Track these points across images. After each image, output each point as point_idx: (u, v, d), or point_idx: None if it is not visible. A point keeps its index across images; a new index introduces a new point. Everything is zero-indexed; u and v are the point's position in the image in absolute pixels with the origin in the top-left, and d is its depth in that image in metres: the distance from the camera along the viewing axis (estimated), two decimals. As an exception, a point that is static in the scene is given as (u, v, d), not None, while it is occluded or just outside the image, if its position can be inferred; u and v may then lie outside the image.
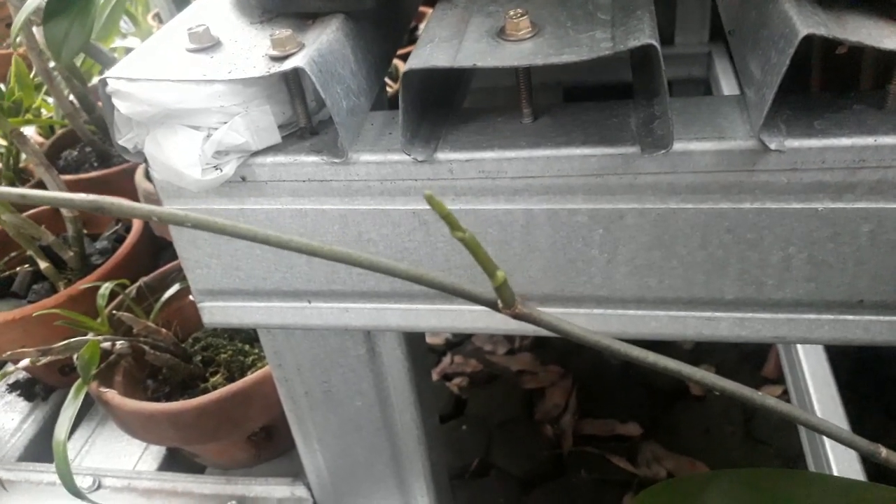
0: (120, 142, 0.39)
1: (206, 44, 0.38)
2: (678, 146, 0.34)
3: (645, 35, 0.31)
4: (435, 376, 1.15)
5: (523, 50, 0.33)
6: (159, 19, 1.35)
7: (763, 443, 1.01)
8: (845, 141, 0.32)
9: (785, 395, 1.04)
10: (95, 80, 1.17)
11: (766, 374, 1.10)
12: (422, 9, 1.04)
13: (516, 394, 1.11)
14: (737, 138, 0.34)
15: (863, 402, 1.00)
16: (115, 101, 0.37)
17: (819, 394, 0.82)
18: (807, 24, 0.30)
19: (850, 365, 1.02)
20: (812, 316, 0.38)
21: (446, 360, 1.19)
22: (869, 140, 0.32)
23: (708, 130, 0.34)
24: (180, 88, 0.35)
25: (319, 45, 0.36)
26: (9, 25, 1.63)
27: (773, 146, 0.33)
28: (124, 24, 1.34)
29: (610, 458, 1.00)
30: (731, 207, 0.35)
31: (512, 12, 0.34)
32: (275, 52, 0.36)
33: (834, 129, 0.33)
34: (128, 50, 1.27)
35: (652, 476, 0.98)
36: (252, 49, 0.37)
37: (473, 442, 1.04)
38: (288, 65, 0.35)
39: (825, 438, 0.78)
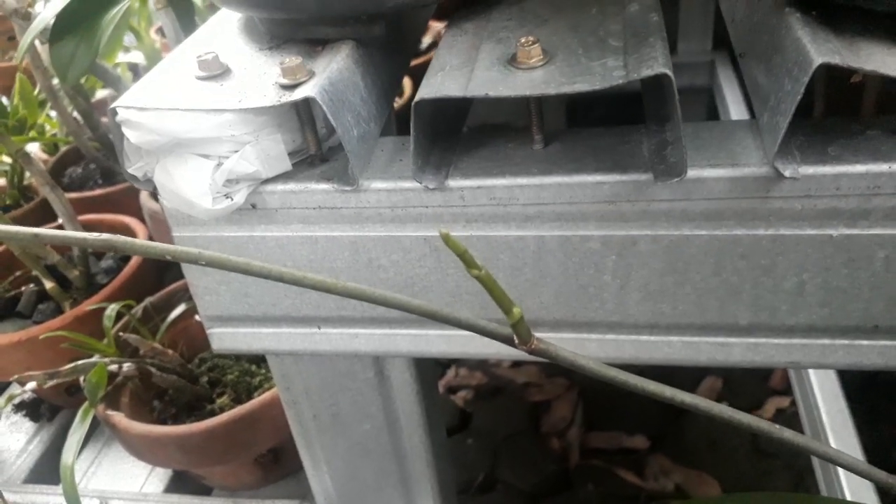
0: (130, 170, 0.39)
1: (216, 71, 0.38)
2: (692, 173, 0.33)
3: (658, 64, 0.31)
4: (440, 389, 1.15)
5: (535, 79, 0.33)
6: (162, 33, 1.35)
7: (771, 456, 1.00)
8: (860, 168, 0.32)
9: (793, 406, 1.04)
10: (98, 95, 1.17)
11: (773, 385, 1.10)
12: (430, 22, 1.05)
13: (522, 407, 1.11)
14: (751, 165, 0.33)
15: (872, 412, 1.00)
16: (124, 130, 0.37)
17: (827, 405, 0.82)
18: (821, 52, 0.30)
19: (859, 375, 1.02)
20: (826, 341, 0.38)
21: (451, 372, 1.19)
22: (884, 167, 0.32)
23: (721, 157, 0.34)
24: (190, 118, 0.35)
25: (330, 74, 0.36)
26: (10, 38, 1.64)
27: (787, 173, 0.32)
28: (127, 37, 1.34)
29: (617, 471, 1.00)
30: (745, 234, 0.35)
31: (524, 40, 0.34)
32: (285, 81, 0.36)
33: (848, 156, 0.33)
34: (131, 64, 1.27)
35: (659, 489, 0.98)
36: (261, 77, 0.37)
37: (479, 456, 1.04)
38: (298, 94, 0.34)
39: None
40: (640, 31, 0.35)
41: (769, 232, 0.35)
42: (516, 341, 0.26)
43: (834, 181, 0.33)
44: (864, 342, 0.37)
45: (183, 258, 0.23)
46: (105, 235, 0.23)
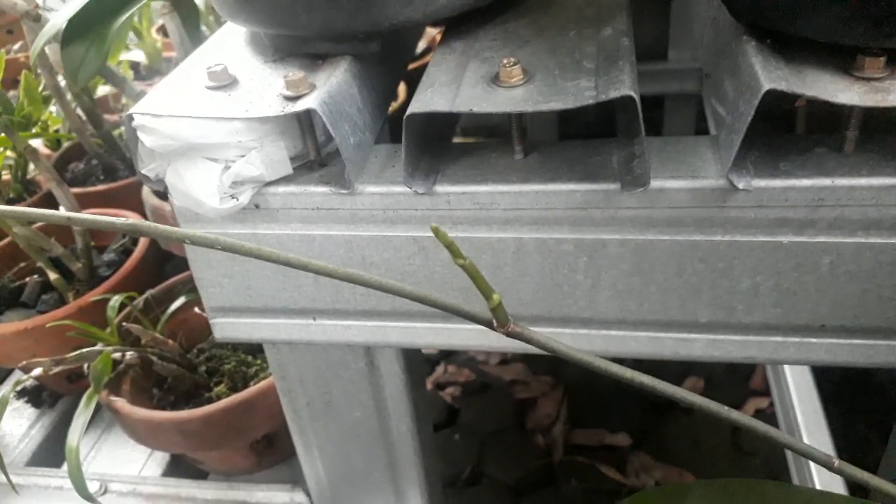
0: (143, 171, 0.42)
1: (224, 82, 0.41)
2: (655, 184, 0.37)
3: (625, 86, 0.34)
4: (428, 385, 1.18)
5: (515, 96, 0.36)
6: (164, 33, 1.38)
7: (749, 454, 1.04)
8: (806, 182, 0.36)
9: (771, 407, 1.07)
10: (100, 91, 1.20)
11: (753, 386, 1.13)
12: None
13: (508, 403, 1.14)
14: (709, 177, 0.37)
15: (848, 414, 1.03)
16: (139, 134, 0.40)
17: (803, 406, 0.86)
18: (769, 78, 0.34)
19: (836, 378, 1.05)
20: (779, 339, 0.41)
21: (440, 369, 1.21)
22: (827, 181, 0.36)
23: (683, 169, 0.38)
24: (201, 125, 0.39)
25: (329, 87, 0.39)
26: (9, 32, 1.66)
27: (741, 186, 0.36)
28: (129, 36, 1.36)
29: (600, 467, 1.02)
30: (703, 239, 0.38)
31: (505, 60, 0.37)
32: (288, 93, 0.39)
33: (796, 171, 0.36)
34: (132, 63, 1.30)
35: (640, 486, 1.01)
36: (267, 88, 0.41)
37: (466, 450, 1.07)
38: (301, 106, 0.38)
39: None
40: (611, 54, 0.38)
41: (726, 238, 0.38)
42: (495, 324, 0.30)
43: (783, 193, 0.36)
44: (813, 340, 0.41)
45: (202, 243, 0.26)
46: (131, 220, 0.26)
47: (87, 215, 0.26)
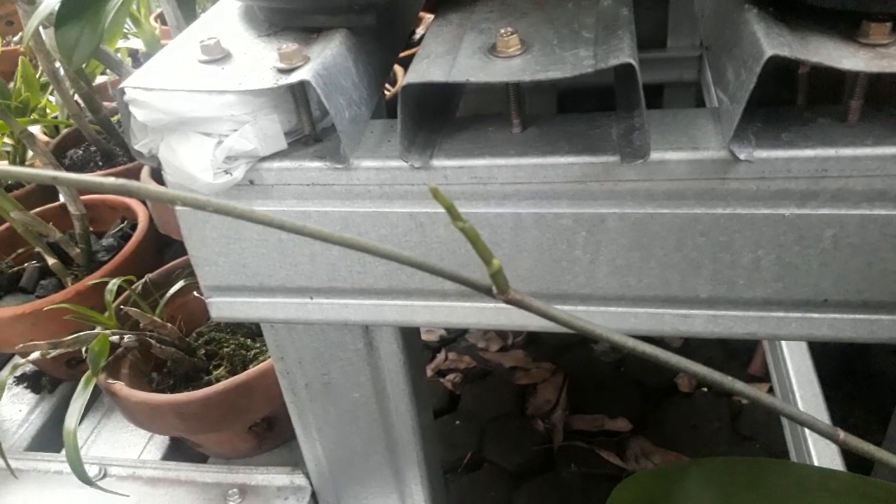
0: (136, 147, 0.41)
1: (217, 56, 0.41)
2: (655, 156, 0.36)
3: (624, 54, 0.34)
4: (429, 372, 1.18)
5: (512, 66, 0.36)
6: (162, 20, 1.37)
7: (749, 438, 1.04)
8: (809, 152, 0.35)
9: (770, 392, 1.07)
10: (99, 79, 1.19)
11: (752, 371, 1.13)
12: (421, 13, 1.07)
13: (509, 390, 1.14)
14: (709, 149, 0.36)
15: (847, 399, 1.03)
16: (132, 108, 0.39)
17: (802, 391, 0.86)
18: (772, 45, 0.33)
19: (836, 363, 1.05)
20: (780, 314, 0.41)
21: (440, 356, 1.21)
22: (830, 151, 0.35)
23: (683, 141, 0.37)
24: (194, 98, 0.38)
25: (324, 59, 0.39)
26: (9, 23, 1.65)
27: (742, 157, 0.35)
28: (126, 24, 1.36)
29: (599, 452, 1.03)
30: (704, 213, 0.38)
31: (503, 31, 0.37)
32: (282, 65, 0.38)
33: (799, 141, 0.36)
34: (131, 50, 1.29)
35: (640, 470, 1.01)
36: (260, 61, 0.40)
37: (466, 436, 1.07)
38: (294, 78, 0.37)
39: (807, 432, 0.81)
40: (610, 24, 0.37)
41: (727, 211, 0.37)
42: (495, 291, 0.29)
43: (785, 164, 0.36)
44: (815, 315, 0.40)
45: (192, 204, 0.25)
46: (121, 180, 0.25)
47: (73, 175, 0.25)
